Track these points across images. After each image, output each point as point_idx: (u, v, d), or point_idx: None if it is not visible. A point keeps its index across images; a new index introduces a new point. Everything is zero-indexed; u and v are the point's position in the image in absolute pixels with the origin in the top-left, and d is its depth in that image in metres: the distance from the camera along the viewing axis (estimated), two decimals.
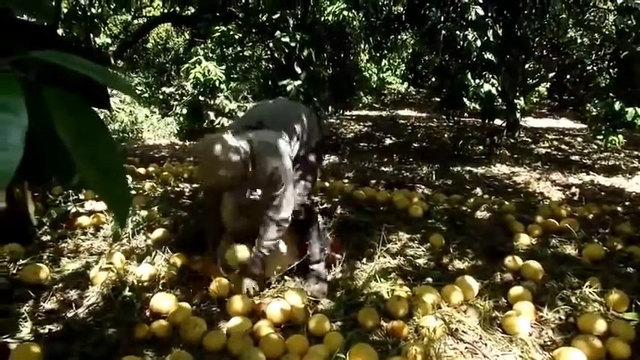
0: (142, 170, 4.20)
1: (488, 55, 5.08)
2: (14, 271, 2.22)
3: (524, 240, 2.86)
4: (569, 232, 2.95)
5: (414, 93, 13.57)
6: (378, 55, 11.15)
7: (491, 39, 5.06)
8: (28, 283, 2.15)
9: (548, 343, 1.96)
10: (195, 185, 3.79)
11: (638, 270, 2.50)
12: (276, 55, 6.35)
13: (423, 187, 4.38)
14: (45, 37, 0.68)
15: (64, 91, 0.48)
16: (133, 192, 3.37)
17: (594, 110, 6.41)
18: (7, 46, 0.57)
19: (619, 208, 3.75)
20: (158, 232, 2.68)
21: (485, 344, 1.92)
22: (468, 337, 1.95)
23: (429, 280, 2.37)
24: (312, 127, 2.27)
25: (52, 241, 2.62)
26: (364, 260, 2.57)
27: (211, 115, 6.41)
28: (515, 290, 2.23)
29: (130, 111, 6.82)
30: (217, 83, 6.08)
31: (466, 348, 1.90)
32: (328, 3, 5.06)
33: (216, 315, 2.05)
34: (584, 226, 3.15)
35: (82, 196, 3.22)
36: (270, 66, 7.92)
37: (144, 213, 2.91)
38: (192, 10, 4.96)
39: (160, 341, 1.84)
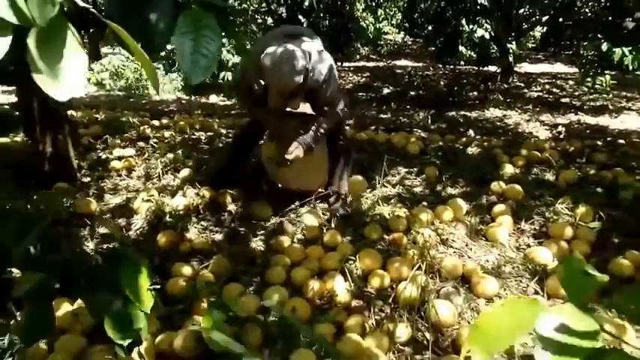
0: (156, 122, 4.50)
1: (482, 0, 5.25)
2: (67, 205, 2.57)
3: (508, 169, 3.22)
4: (550, 162, 3.30)
5: (410, 43, 13.57)
6: (374, 4, 11.12)
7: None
8: (81, 213, 2.52)
9: (523, 246, 2.35)
10: (209, 133, 4.10)
11: (605, 189, 2.88)
12: (272, 7, 6.47)
13: (419, 130, 4.69)
14: None
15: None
16: (155, 140, 3.69)
17: (584, 52, 6.60)
18: None
19: (599, 142, 4.08)
20: (185, 172, 3.03)
21: (471, 249, 2.32)
22: (456, 245, 2.34)
23: (424, 203, 2.74)
24: None
25: (92, 181, 2.97)
26: (368, 190, 2.93)
27: (215, 69, 6.61)
28: (498, 207, 2.61)
29: (135, 68, 6.99)
30: None
31: (454, 252, 2.29)
32: None
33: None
34: (563, 157, 3.50)
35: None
36: (268, 19, 8.01)
37: (170, 156, 3.24)
38: None
39: (201, 252, 2.23)
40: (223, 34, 0.74)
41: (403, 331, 1.68)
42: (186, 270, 2.01)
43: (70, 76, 0.44)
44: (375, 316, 1.83)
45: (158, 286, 0.87)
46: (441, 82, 7.90)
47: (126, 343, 0.78)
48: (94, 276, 0.86)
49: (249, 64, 2.34)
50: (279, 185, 2.75)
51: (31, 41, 0.40)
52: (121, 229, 2.40)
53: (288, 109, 2.22)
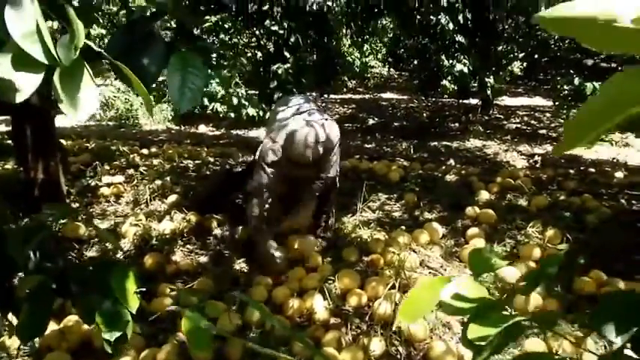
0: (145, 151, 4.61)
1: (460, 38, 5.56)
2: (57, 229, 2.64)
3: (483, 195, 3.37)
4: (522, 188, 3.47)
5: (395, 76, 14.01)
6: (360, 39, 11.54)
7: (461, 22, 5.54)
8: (69, 237, 2.59)
9: None
10: (197, 161, 4.22)
11: (573, 213, 3.04)
12: (262, 42, 6.75)
13: (402, 160, 4.87)
14: None
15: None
16: (144, 168, 3.80)
17: (560, 87, 6.96)
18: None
19: (571, 171, 4.29)
20: (172, 197, 3.13)
21: (445, 269, 2.43)
22: (432, 265, 2.46)
23: (403, 227, 2.86)
24: None
25: (81, 207, 3.05)
26: (349, 215, 3.05)
27: (205, 100, 6.80)
28: (472, 230, 2.75)
29: (126, 98, 7.16)
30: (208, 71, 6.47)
31: (430, 272, 2.40)
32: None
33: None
34: (536, 185, 3.67)
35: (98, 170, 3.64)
36: (258, 53, 8.30)
37: (158, 182, 3.35)
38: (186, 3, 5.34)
39: (186, 273, 2.31)
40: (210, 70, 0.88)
41: (377, 345, 1.77)
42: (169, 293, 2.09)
43: (86, 103, 0.56)
44: (352, 332, 1.92)
45: (144, 289, 0.96)
46: (424, 114, 8.18)
47: (113, 337, 0.87)
48: (86, 280, 0.97)
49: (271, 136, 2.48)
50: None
51: (56, 77, 0.52)
52: (107, 253, 2.48)
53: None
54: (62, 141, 4.49)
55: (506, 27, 7.46)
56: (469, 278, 0.64)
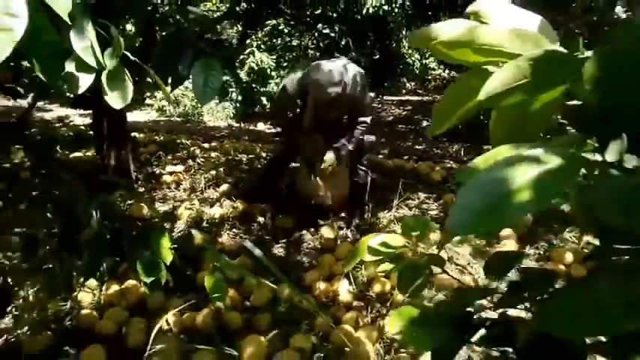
0: (205, 145, 5.02)
1: None
2: (124, 208, 3.03)
3: None
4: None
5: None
6: None
7: None
8: (134, 216, 2.96)
9: None
10: (251, 156, 4.54)
11: None
12: (321, 44, 7.00)
13: (451, 162, 4.89)
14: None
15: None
16: (202, 159, 4.17)
17: None
18: None
19: None
20: (224, 187, 3.44)
21: (472, 266, 2.51)
22: (459, 262, 2.54)
23: (436, 225, 2.95)
24: None
25: (146, 191, 3.45)
26: (385, 211, 3.18)
27: (264, 99, 7.18)
28: (505, 231, 2.78)
29: (192, 97, 7.71)
30: (269, 71, 6.83)
31: (456, 268, 2.49)
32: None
33: None
34: None
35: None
36: (317, 54, 8.58)
37: (213, 172, 3.68)
38: (247, 7, 5.71)
39: (229, 253, 2.57)
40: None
41: None
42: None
43: (123, 96, 0.79)
44: (371, 314, 2.07)
45: (175, 246, 1.20)
46: (481, 116, 8.02)
47: (149, 280, 1.11)
48: (132, 238, 1.23)
49: (290, 88, 2.73)
50: (312, 202, 3.01)
51: (103, 77, 0.75)
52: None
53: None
54: (135, 133, 5.00)
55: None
56: (398, 236, 0.80)
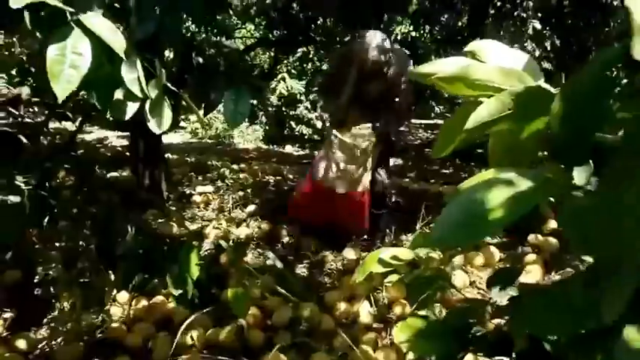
0: (235, 166, 5.17)
1: (546, 65, 5.44)
2: (155, 226, 3.16)
3: (551, 224, 3.31)
4: None
5: None
6: None
7: (549, 49, 5.43)
8: (164, 235, 3.08)
9: None
10: (278, 177, 4.65)
11: None
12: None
13: None
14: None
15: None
16: (231, 181, 4.30)
17: None
18: None
19: None
20: (251, 207, 3.54)
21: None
22: (481, 286, 2.53)
23: (459, 248, 2.94)
24: None
25: (177, 210, 3.58)
26: (408, 234, 3.20)
27: (292, 123, 7.36)
28: (530, 257, 2.75)
29: (223, 119, 7.98)
30: (298, 96, 7.03)
31: (478, 292, 2.48)
32: (395, 25, 5.76)
33: None
34: None
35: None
36: None
37: (240, 193, 3.80)
38: (279, 34, 5.95)
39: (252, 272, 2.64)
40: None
41: None
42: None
43: (164, 122, 0.89)
44: (390, 337, 2.08)
45: (202, 262, 1.28)
46: None
47: (177, 293, 1.19)
48: (163, 253, 1.32)
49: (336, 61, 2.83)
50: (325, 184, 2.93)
51: (147, 105, 0.85)
52: None
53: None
54: (168, 154, 5.22)
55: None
56: (407, 250, 0.85)
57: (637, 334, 0.36)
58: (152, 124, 0.87)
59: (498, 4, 5.43)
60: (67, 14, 0.71)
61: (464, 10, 5.76)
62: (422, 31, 6.21)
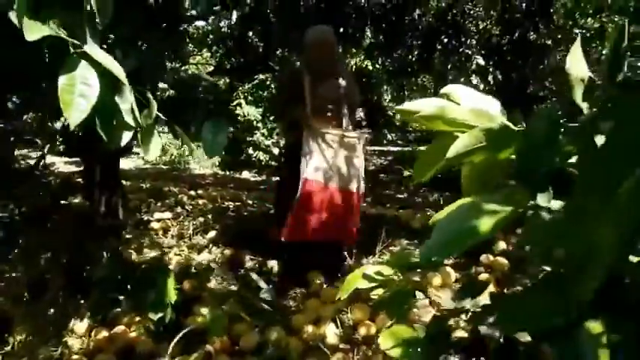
0: (192, 192, 5.12)
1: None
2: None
3: (500, 245, 3.53)
4: None
5: None
6: (400, 94, 12.04)
7: (492, 82, 5.86)
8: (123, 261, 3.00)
9: None
10: (237, 203, 4.65)
11: None
12: None
13: (430, 210, 5.07)
14: None
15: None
16: (190, 207, 4.25)
17: None
18: None
19: None
20: (212, 233, 3.52)
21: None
22: (441, 305, 2.65)
23: (418, 270, 3.07)
24: None
25: (134, 237, 3.49)
26: (370, 257, 3.30)
27: (250, 149, 7.38)
28: (482, 276, 2.92)
29: (178, 145, 7.87)
30: (255, 122, 7.09)
31: (437, 311, 2.59)
32: (349, 57, 6.03)
33: None
34: None
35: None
36: None
37: (200, 219, 3.77)
38: (236, 62, 6.05)
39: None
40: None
41: None
42: (204, 310, 2.41)
43: (154, 149, 0.93)
44: (357, 356, 2.14)
45: (179, 286, 1.30)
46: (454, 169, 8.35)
47: (156, 317, 1.20)
48: (139, 278, 1.32)
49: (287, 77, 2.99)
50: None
51: (139, 135, 0.90)
52: None
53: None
54: (123, 181, 5.08)
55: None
56: (387, 268, 0.93)
57: (596, 325, 0.45)
58: (144, 151, 0.90)
59: (445, 40, 5.83)
60: (70, 47, 0.75)
61: (414, 46, 6.12)
62: (375, 63, 6.53)
